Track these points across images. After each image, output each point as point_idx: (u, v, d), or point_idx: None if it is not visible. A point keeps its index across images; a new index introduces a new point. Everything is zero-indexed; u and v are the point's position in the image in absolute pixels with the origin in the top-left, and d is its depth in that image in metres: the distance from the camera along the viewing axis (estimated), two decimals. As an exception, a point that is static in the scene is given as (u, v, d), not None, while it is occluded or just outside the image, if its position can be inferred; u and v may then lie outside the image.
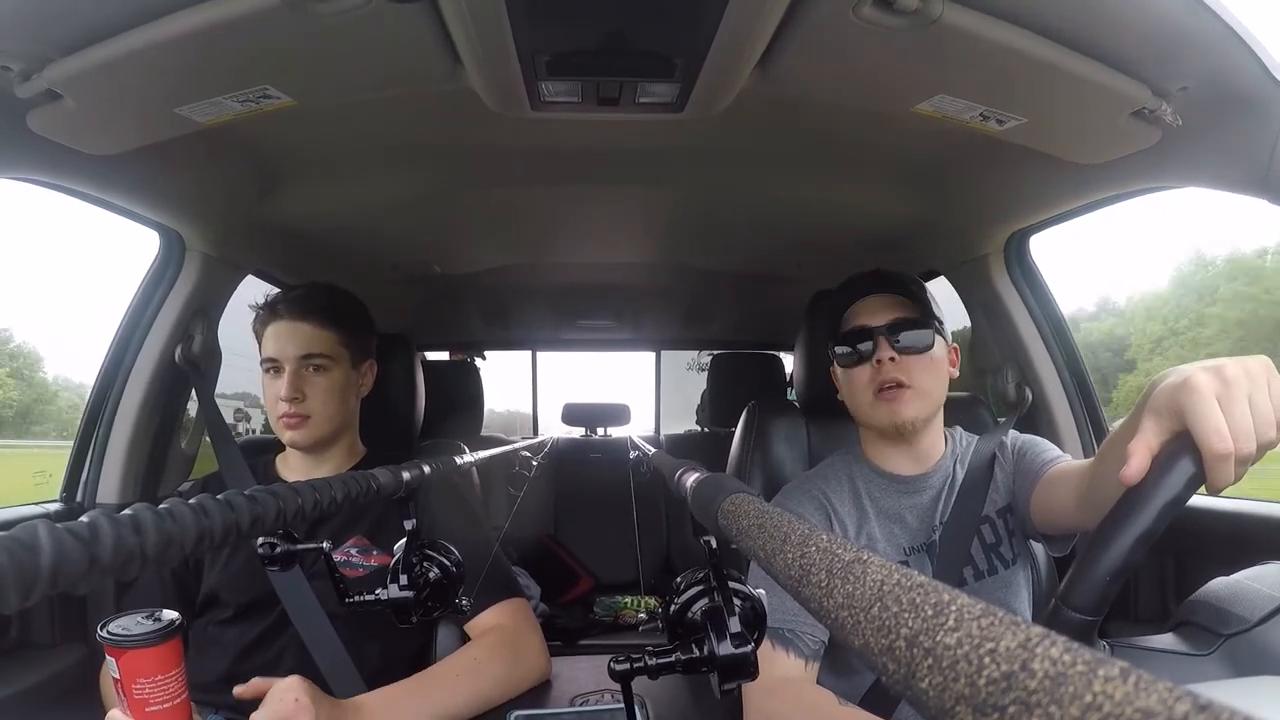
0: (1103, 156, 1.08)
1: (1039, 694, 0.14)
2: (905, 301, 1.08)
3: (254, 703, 1.09)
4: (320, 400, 1.19)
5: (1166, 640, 0.73)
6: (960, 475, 1.11)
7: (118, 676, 0.74)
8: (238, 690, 0.86)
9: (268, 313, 1.22)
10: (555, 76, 0.96)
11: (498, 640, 1.08)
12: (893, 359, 1.04)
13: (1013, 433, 1.17)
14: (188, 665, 1.10)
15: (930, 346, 1.06)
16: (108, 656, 0.74)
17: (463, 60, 0.92)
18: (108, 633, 0.74)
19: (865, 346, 1.07)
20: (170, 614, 0.77)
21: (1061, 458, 1.05)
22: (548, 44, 0.89)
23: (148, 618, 0.76)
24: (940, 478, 1.12)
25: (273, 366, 1.19)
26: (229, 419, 1.67)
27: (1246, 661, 0.67)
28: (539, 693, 1.09)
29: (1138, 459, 0.60)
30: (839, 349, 1.11)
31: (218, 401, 1.45)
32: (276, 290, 1.76)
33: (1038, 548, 1.19)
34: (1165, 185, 1.10)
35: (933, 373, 1.06)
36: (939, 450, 1.13)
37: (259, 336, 1.22)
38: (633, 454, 1.99)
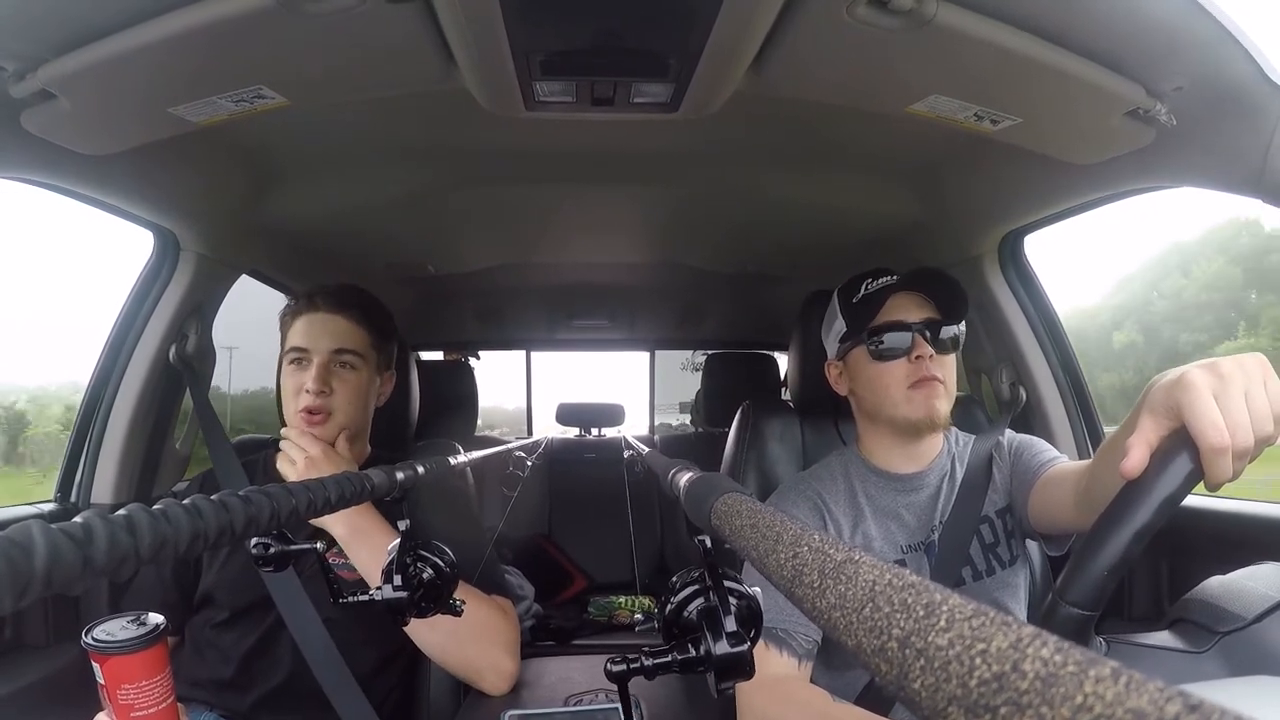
0: (1097, 156, 1.08)
1: (1030, 695, 0.14)
2: (940, 299, 1.08)
3: (251, 703, 1.09)
4: (345, 398, 1.17)
5: (1162, 638, 0.73)
6: (960, 474, 1.11)
7: (102, 682, 0.73)
8: None
9: (303, 304, 1.20)
10: (549, 76, 0.96)
11: (487, 613, 1.09)
12: (931, 356, 1.05)
13: (1009, 432, 1.17)
14: (184, 664, 1.11)
15: (960, 346, 1.08)
16: (92, 662, 0.73)
17: (457, 60, 0.92)
18: (92, 639, 0.73)
19: (902, 342, 1.06)
20: (155, 618, 0.76)
21: (1059, 458, 1.06)
22: (542, 44, 0.89)
23: (132, 622, 0.75)
24: (937, 475, 1.12)
25: (300, 357, 1.17)
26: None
27: (1242, 659, 0.67)
28: (533, 692, 1.09)
29: (1137, 452, 0.60)
30: (874, 342, 1.07)
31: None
32: (266, 287, 1.77)
33: (1034, 549, 1.19)
34: (1159, 185, 1.10)
35: (954, 371, 1.08)
36: (936, 448, 1.14)
37: (286, 328, 1.21)
38: (627, 453, 1.99)
